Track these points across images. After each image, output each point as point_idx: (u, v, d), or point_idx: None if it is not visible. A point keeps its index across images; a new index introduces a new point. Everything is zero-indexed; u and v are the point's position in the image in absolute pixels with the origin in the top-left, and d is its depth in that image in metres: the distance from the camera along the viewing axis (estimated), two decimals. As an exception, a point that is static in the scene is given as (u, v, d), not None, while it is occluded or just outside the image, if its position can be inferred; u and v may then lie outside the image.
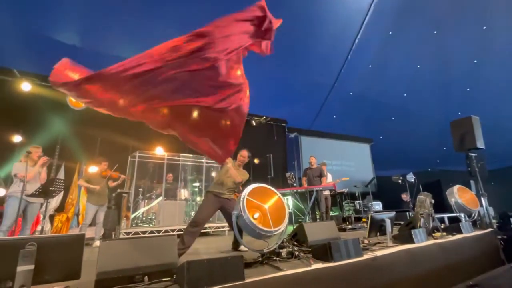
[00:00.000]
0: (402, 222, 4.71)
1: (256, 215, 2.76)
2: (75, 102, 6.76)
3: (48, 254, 1.71)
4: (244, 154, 3.75)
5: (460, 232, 3.84)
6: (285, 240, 2.86)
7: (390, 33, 8.43)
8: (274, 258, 2.52)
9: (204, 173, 7.27)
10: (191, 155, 7.21)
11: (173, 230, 5.41)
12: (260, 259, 2.53)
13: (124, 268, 1.94)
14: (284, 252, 2.63)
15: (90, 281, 1.86)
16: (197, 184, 7.20)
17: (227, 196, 3.47)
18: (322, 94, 9.98)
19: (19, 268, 1.56)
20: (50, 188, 3.50)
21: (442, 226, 4.16)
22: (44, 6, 5.19)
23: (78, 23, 5.74)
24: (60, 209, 5.91)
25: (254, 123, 9.52)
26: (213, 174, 7.89)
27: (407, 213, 6.74)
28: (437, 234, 3.68)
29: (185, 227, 3.51)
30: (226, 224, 6.39)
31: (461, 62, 9.00)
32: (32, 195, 3.41)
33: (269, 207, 2.81)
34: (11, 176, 3.66)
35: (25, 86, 6.38)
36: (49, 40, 5.77)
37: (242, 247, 3.44)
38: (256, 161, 10.32)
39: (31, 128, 6.33)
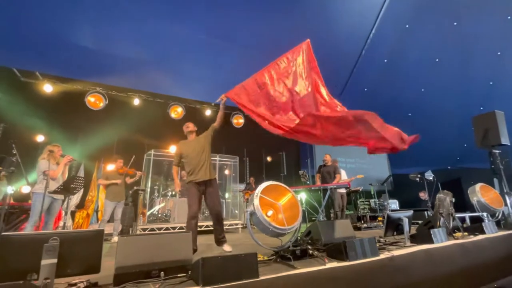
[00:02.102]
0: (420, 222, 4.58)
1: (270, 213, 2.76)
2: (93, 102, 7.00)
3: (70, 249, 1.78)
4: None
5: (482, 232, 3.67)
6: (299, 238, 2.84)
7: (407, 26, 8.14)
8: (288, 256, 2.50)
9: (217, 171, 7.33)
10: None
11: (187, 227, 5.50)
12: (274, 256, 2.52)
13: (141, 263, 1.99)
14: (298, 250, 2.61)
15: (109, 275, 1.92)
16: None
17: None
18: (336, 90, 9.80)
19: (43, 262, 1.63)
20: (71, 186, 3.64)
21: (463, 226, 3.99)
22: (63, 11, 5.39)
23: (94, 27, 5.91)
24: (81, 205, 6.16)
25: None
26: (226, 171, 7.96)
27: (425, 212, 6.53)
28: (458, 234, 3.54)
29: (211, 223, 3.54)
30: (240, 221, 6.44)
31: (484, 54, 8.56)
32: (54, 191, 3.56)
33: (283, 205, 2.80)
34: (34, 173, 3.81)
35: (47, 88, 6.67)
36: (67, 43, 5.99)
37: (225, 246, 3.37)
38: (269, 159, 10.31)
39: (53, 128, 6.61)
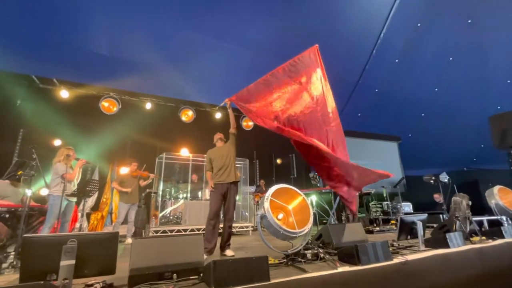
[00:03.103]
0: (434, 225, 4.45)
1: (280, 216, 2.76)
2: (107, 107, 7.20)
3: (86, 250, 1.83)
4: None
5: (501, 236, 3.54)
6: (309, 241, 2.82)
7: (419, 25, 7.98)
8: (299, 259, 2.49)
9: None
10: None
11: (198, 229, 5.55)
12: (285, 260, 2.52)
13: (154, 265, 2.02)
14: (309, 253, 2.59)
15: (124, 276, 1.96)
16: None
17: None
18: (345, 91, 9.70)
19: (62, 263, 1.69)
20: (87, 188, 3.76)
21: (481, 230, 3.86)
22: (79, 21, 5.61)
23: (109, 34, 6.11)
24: (96, 208, 6.33)
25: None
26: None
27: (441, 216, 6.34)
28: (476, 238, 3.43)
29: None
30: (250, 224, 6.45)
31: (500, 52, 8.29)
32: (72, 194, 3.68)
33: (293, 208, 2.80)
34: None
35: (64, 93, 6.92)
36: (83, 50, 6.21)
37: (227, 252, 3.37)
38: (278, 161, 10.28)
39: (69, 132, 6.83)
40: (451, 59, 8.81)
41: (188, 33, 6.55)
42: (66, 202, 3.69)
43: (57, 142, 6.64)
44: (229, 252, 3.37)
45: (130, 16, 5.90)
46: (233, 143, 3.85)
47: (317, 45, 3.82)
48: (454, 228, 3.43)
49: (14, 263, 2.65)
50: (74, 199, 3.87)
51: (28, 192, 3.22)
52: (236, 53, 7.22)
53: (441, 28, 8.06)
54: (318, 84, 3.60)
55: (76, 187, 3.76)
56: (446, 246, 2.95)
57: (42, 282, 1.57)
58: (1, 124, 6.27)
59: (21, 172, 3.53)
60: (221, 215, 3.74)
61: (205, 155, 3.98)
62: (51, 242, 1.80)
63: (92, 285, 1.89)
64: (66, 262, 1.70)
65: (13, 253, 2.76)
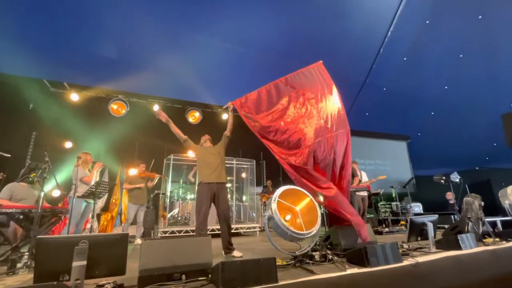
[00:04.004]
0: (446, 226, 4.37)
1: (288, 217, 2.75)
2: (116, 110, 7.33)
3: (97, 251, 1.87)
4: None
5: (516, 238, 3.45)
6: (317, 243, 2.81)
7: (427, 22, 7.84)
8: (307, 261, 2.48)
9: (234, 174, 7.41)
10: (221, 157, 7.40)
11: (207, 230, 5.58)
12: (293, 261, 2.51)
13: (163, 266, 2.05)
14: (317, 255, 2.58)
15: (134, 277, 1.99)
16: (228, 185, 7.36)
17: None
18: (352, 91, 9.60)
19: (74, 264, 1.73)
20: (97, 190, 3.84)
21: (494, 231, 3.76)
22: (88, 27, 5.76)
23: (116, 38, 6.23)
24: (105, 208, 6.43)
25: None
26: (243, 175, 8.01)
27: (452, 216, 6.22)
28: (489, 240, 3.35)
29: (218, 227, 3.59)
30: (258, 225, 6.45)
31: (512, 47, 8.06)
32: (83, 196, 3.77)
33: (301, 209, 2.79)
34: (66, 179, 4.06)
35: (74, 97, 7.07)
36: (92, 55, 6.35)
37: (234, 253, 3.30)
38: (285, 161, 10.23)
39: (80, 134, 6.98)
40: (461, 56, 8.62)
41: (194, 34, 6.60)
42: (85, 204, 3.81)
43: (68, 145, 6.79)
44: (236, 253, 3.31)
45: (138, 19, 5.99)
46: (223, 145, 3.79)
47: (321, 61, 3.86)
48: (466, 229, 3.36)
49: (28, 263, 2.72)
50: (91, 201, 3.97)
51: (41, 194, 3.30)
52: (242, 54, 7.23)
53: (450, 25, 7.88)
54: (325, 103, 3.64)
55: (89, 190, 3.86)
56: (458, 247, 2.89)
57: (55, 283, 1.61)
58: (15, 127, 6.45)
59: (34, 174, 3.62)
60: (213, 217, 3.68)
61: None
62: (63, 243, 1.84)
63: (103, 285, 1.93)
64: (78, 263, 1.74)
65: (27, 253, 2.83)
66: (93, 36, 5.98)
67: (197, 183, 3.59)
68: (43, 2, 5.19)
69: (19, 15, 5.30)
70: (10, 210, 3.41)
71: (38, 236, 1.91)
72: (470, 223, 3.41)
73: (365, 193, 5.87)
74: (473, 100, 9.52)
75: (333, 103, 3.62)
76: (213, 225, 5.83)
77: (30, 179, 3.76)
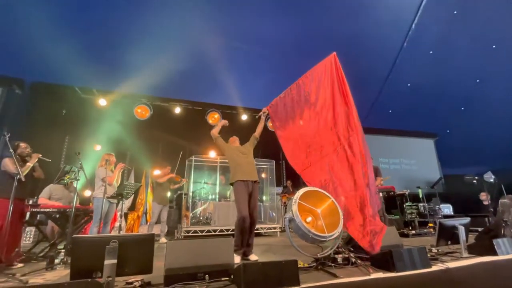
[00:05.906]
0: (479, 229, 4.10)
1: (309, 219, 2.73)
2: (140, 113, 7.64)
3: (126, 250, 1.97)
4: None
5: (560, 243, 3.16)
6: (340, 245, 2.76)
7: (455, 12, 7.39)
8: (329, 263, 2.45)
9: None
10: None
11: (227, 230, 5.67)
12: (314, 264, 2.49)
13: (188, 266, 2.12)
14: (340, 258, 2.54)
15: (159, 275, 2.08)
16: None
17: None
18: (375, 87, 9.27)
19: (106, 262, 1.84)
20: (124, 191, 4.03)
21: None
22: (114, 38, 6.15)
23: (139, 49, 6.59)
24: (132, 208, 6.74)
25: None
26: (263, 175, 8.03)
27: (486, 219, 5.82)
28: (528, 245, 3.10)
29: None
30: (278, 225, 6.44)
31: (554, 35, 7.39)
32: (111, 196, 3.98)
33: (322, 211, 2.75)
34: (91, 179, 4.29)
35: (102, 102, 7.47)
36: (120, 62, 6.71)
37: (251, 256, 3.22)
38: (305, 161, 10.12)
39: (107, 138, 7.37)
40: (494, 47, 8.04)
41: (213, 37, 6.73)
42: (108, 204, 4.00)
43: (98, 148, 7.19)
44: (252, 257, 3.22)
45: (158, 28, 6.27)
46: (252, 145, 3.83)
47: (334, 52, 3.71)
48: (502, 233, 3.14)
49: (65, 259, 2.92)
50: (115, 201, 4.17)
51: (75, 195, 3.53)
52: (258, 55, 7.27)
53: (481, 14, 7.38)
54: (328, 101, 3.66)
55: (116, 189, 4.04)
56: (493, 253, 2.72)
57: (89, 280, 1.72)
58: (49, 132, 6.92)
59: (68, 176, 3.87)
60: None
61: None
62: (95, 242, 1.96)
63: (132, 283, 2.03)
64: (109, 261, 1.85)
65: (63, 250, 3.04)
66: (119, 47, 6.36)
67: (229, 182, 3.57)
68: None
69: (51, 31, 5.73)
70: (48, 210, 3.69)
71: (74, 236, 2.04)
72: (506, 227, 3.18)
73: (380, 194, 5.66)
74: (508, 93, 8.84)
75: (340, 104, 3.49)
76: (224, 225, 5.89)
77: (65, 181, 4.02)
